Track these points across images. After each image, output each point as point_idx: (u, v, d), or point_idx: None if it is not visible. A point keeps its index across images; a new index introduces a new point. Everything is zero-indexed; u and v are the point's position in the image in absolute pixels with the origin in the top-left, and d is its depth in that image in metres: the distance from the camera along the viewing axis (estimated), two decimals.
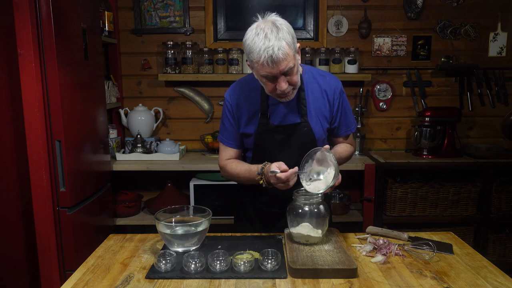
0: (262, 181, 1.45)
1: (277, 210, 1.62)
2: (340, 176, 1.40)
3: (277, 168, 1.37)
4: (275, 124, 1.56)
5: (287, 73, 1.39)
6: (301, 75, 1.57)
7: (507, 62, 3.01)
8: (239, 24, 3.04)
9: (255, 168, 1.50)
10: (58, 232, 2.03)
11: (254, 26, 1.39)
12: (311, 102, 1.57)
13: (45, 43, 1.89)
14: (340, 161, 1.62)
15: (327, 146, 1.40)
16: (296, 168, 1.37)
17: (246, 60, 1.47)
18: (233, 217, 1.82)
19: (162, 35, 2.98)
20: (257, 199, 1.69)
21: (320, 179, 1.39)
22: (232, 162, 1.63)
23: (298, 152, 1.55)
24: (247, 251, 1.34)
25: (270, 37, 1.33)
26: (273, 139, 1.57)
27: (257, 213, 1.70)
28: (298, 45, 1.44)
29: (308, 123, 1.56)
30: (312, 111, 1.57)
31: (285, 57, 1.34)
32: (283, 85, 1.40)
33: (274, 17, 1.40)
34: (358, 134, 2.92)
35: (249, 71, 2.99)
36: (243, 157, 1.72)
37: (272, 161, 1.53)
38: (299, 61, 1.47)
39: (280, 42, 1.33)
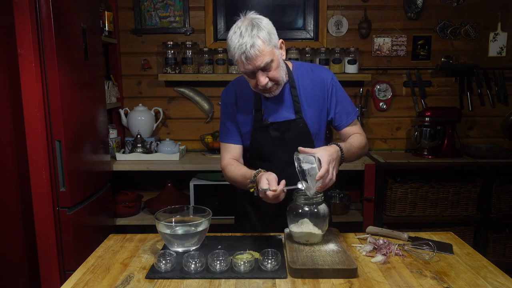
0: (253, 189, 1.43)
1: (274, 207, 1.62)
2: (324, 171, 1.30)
3: (267, 183, 1.33)
4: (270, 121, 1.57)
5: (265, 68, 1.42)
6: (291, 71, 1.58)
7: (507, 62, 3.01)
8: None
9: (249, 174, 1.47)
10: (58, 232, 2.03)
11: (234, 26, 1.43)
12: (304, 98, 1.58)
13: (45, 43, 1.89)
14: (357, 151, 1.56)
15: (300, 148, 1.35)
16: (283, 184, 1.33)
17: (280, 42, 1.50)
18: (233, 217, 1.82)
19: (162, 35, 2.98)
20: (254, 197, 1.69)
21: (306, 181, 1.34)
22: (231, 165, 1.60)
23: (294, 149, 1.56)
24: (247, 251, 1.34)
25: (244, 35, 1.37)
26: (269, 136, 1.58)
27: (255, 211, 1.70)
28: (280, 40, 1.46)
29: (302, 119, 1.57)
30: (306, 106, 1.58)
31: (259, 53, 1.38)
32: (262, 80, 1.43)
33: (253, 15, 1.44)
34: None
35: None
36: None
37: (268, 159, 1.54)
38: (283, 56, 1.49)
39: (253, 39, 1.37)
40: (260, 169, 1.45)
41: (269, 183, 1.32)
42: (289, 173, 1.48)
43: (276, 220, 1.63)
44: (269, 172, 1.38)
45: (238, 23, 1.42)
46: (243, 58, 1.38)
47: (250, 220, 1.71)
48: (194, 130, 3.10)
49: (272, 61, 1.42)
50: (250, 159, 1.65)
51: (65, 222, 2.03)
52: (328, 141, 1.68)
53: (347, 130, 1.65)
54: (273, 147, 1.59)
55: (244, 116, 1.60)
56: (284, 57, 1.50)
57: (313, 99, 1.58)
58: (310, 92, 1.58)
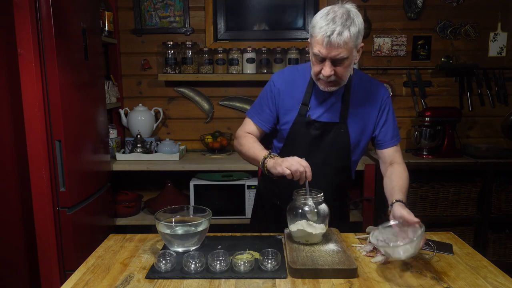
0: (269, 157, 1.45)
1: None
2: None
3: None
4: (313, 118, 1.55)
5: (336, 61, 1.39)
6: (350, 77, 1.55)
7: (507, 62, 3.01)
8: (239, 24, 3.03)
9: (261, 152, 1.50)
10: (58, 232, 2.03)
11: (328, 7, 1.41)
12: (355, 106, 1.55)
13: (45, 43, 1.89)
14: (407, 192, 1.52)
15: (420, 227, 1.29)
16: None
17: (308, 39, 1.49)
18: (233, 217, 1.83)
19: (162, 35, 2.98)
20: (276, 196, 1.69)
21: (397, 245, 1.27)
22: (252, 137, 1.61)
23: (329, 152, 1.55)
24: (247, 251, 1.34)
25: (337, 21, 1.35)
26: (308, 133, 1.56)
27: (273, 212, 1.69)
28: (361, 44, 1.44)
29: (346, 125, 1.54)
30: (354, 115, 1.55)
31: (342, 44, 1.35)
32: (328, 70, 1.40)
33: (352, 7, 1.41)
34: None
35: (249, 71, 3.01)
36: (270, 147, 1.71)
37: (300, 157, 1.52)
38: (356, 60, 1.47)
39: (344, 29, 1.35)
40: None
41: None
42: (314, 179, 1.48)
43: None
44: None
45: (335, 7, 1.39)
46: (325, 41, 1.35)
47: (266, 219, 1.71)
48: (194, 130, 3.10)
49: (347, 58, 1.39)
50: (282, 153, 1.63)
51: (65, 222, 2.03)
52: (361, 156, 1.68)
53: (389, 152, 1.61)
54: (309, 146, 1.57)
55: (290, 106, 1.58)
56: (357, 61, 1.48)
57: (363, 110, 1.56)
58: (362, 103, 1.56)
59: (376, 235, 1.29)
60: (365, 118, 1.57)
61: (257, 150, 1.52)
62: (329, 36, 1.34)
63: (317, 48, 1.39)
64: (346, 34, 1.34)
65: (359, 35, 1.39)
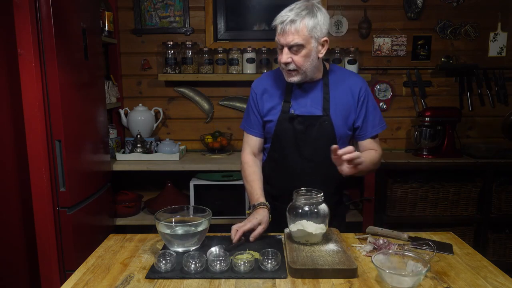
0: (249, 211, 1.56)
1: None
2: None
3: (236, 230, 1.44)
4: (296, 113, 1.58)
5: (293, 48, 1.47)
6: (327, 71, 1.62)
7: (507, 62, 3.01)
8: (239, 24, 3.03)
9: (254, 197, 1.59)
10: (58, 232, 2.03)
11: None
12: (335, 98, 1.59)
13: (45, 43, 1.89)
14: (368, 166, 1.56)
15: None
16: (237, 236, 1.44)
17: None
18: (233, 217, 1.83)
19: (162, 35, 2.98)
20: (276, 198, 1.70)
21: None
22: (249, 167, 1.67)
23: (315, 146, 1.58)
24: (247, 251, 1.34)
25: (294, 10, 1.45)
26: (293, 128, 1.59)
27: (275, 212, 1.69)
28: (324, 38, 1.50)
29: (329, 117, 1.57)
30: (335, 107, 1.59)
31: (294, 31, 1.43)
32: (285, 56, 1.48)
33: (317, 2, 1.49)
34: None
35: (249, 71, 3.01)
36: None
37: (288, 154, 1.60)
38: (320, 53, 1.52)
39: (297, 18, 1.43)
40: (260, 202, 1.54)
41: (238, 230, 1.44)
42: (303, 175, 1.48)
43: None
44: (256, 215, 1.49)
45: (300, 2, 1.48)
46: (279, 28, 1.46)
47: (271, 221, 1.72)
48: (194, 130, 3.10)
49: (303, 46, 1.46)
50: (271, 151, 1.67)
51: (65, 222, 2.03)
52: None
53: (366, 143, 1.65)
54: (296, 141, 1.60)
55: (273, 105, 1.63)
56: (321, 55, 1.53)
57: (342, 102, 1.60)
58: (341, 95, 1.60)
59: (377, 258, 1.22)
60: (346, 109, 1.61)
61: (249, 195, 1.64)
62: (282, 23, 1.45)
63: (276, 36, 1.49)
64: (298, 22, 1.43)
65: (318, 27, 1.46)
